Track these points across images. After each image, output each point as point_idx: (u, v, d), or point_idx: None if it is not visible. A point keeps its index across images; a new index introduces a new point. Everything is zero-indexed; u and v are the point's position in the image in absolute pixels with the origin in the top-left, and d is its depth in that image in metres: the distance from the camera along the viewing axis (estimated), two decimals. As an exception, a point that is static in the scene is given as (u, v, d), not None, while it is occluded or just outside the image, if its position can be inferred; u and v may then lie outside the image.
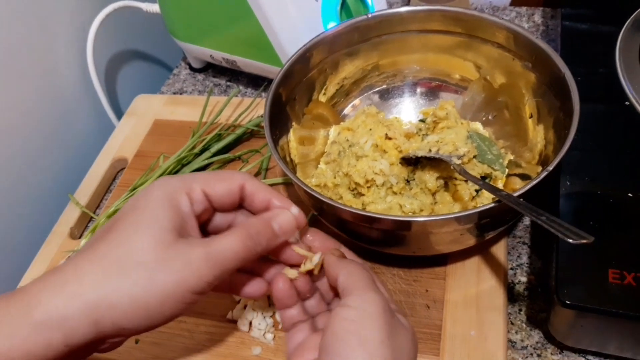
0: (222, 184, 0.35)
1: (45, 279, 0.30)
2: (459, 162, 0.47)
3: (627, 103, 0.48)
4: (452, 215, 0.39)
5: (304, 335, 0.36)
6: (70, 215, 0.60)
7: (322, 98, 0.57)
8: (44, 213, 0.66)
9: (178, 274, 0.30)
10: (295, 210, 0.36)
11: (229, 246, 0.32)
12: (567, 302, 0.37)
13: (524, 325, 0.46)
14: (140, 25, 0.82)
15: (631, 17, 0.54)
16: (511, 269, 0.50)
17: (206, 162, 0.60)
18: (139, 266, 0.30)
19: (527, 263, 0.50)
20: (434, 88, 0.58)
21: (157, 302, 0.30)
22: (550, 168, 0.39)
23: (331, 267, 0.37)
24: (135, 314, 0.30)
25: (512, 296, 0.48)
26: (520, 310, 0.47)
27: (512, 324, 0.46)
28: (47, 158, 0.68)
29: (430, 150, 0.49)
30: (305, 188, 0.42)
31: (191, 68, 0.80)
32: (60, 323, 0.29)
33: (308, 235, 0.40)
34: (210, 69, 0.80)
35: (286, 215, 0.36)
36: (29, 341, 0.28)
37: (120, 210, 0.34)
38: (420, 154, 0.48)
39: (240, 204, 0.37)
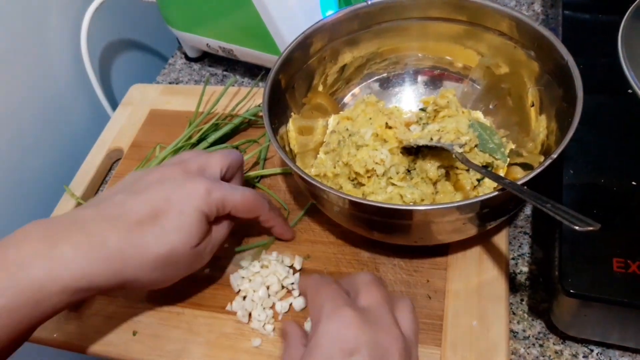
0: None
1: None
2: (460, 150, 0.46)
3: (630, 91, 0.47)
4: (454, 204, 0.38)
5: None
6: (65, 207, 0.59)
7: (321, 87, 0.56)
8: (39, 204, 0.65)
9: None
10: None
11: None
12: (571, 291, 0.37)
13: (526, 315, 0.46)
14: (135, 13, 0.81)
15: (633, 6, 0.54)
16: (512, 259, 0.49)
17: (203, 152, 0.60)
18: None
19: (528, 253, 0.50)
20: (435, 76, 0.57)
21: None
22: (555, 156, 0.38)
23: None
24: None
25: (513, 286, 0.48)
26: (522, 300, 0.47)
27: (513, 314, 0.46)
28: (41, 149, 0.67)
29: (431, 139, 0.48)
30: (306, 178, 0.41)
31: (187, 57, 0.79)
32: None
33: None
34: (206, 58, 0.79)
35: None
36: None
37: None
38: (421, 142, 0.48)
39: None
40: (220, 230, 0.44)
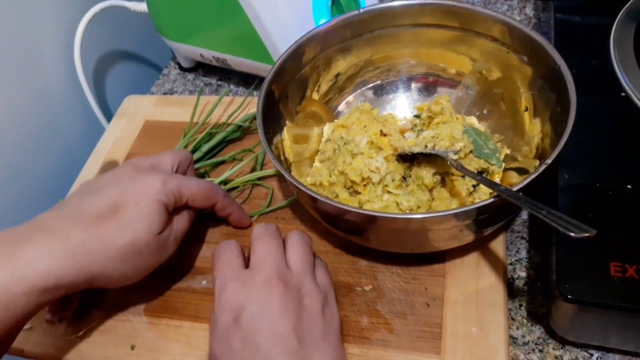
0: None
1: None
2: (455, 157, 0.46)
3: (623, 94, 0.47)
4: (451, 212, 0.38)
5: None
6: (61, 220, 0.59)
7: (315, 95, 0.56)
8: (34, 218, 0.65)
9: None
10: None
11: None
12: (568, 296, 0.37)
13: (525, 321, 0.46)
14: (128, 25, 0.81)
15: (624, 8, 0.54)
16: (510, 264, 0.49)
17: (199, 164, 0.59)
18: None
19: (526, 258, 0.50)
20: (428, 83, 0.57)
21: None
22: (549, 161, 0.38)
23: None
24: None
25: (512, 292, 0.48)
26: (520, 305, 0.47)
27: (512, 319, 0.46)
28: (36, 162, 0.67)
29: (426, 146, 0.48)
30: (300, 187, 0.41)
31: (181, 68, 0.79)
32: None
33: None
34: (200, 68, 0.79)
35: None
36: None
37: None
38: (416, 150, 0.48)
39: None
40: (181, 220, 0.46)
